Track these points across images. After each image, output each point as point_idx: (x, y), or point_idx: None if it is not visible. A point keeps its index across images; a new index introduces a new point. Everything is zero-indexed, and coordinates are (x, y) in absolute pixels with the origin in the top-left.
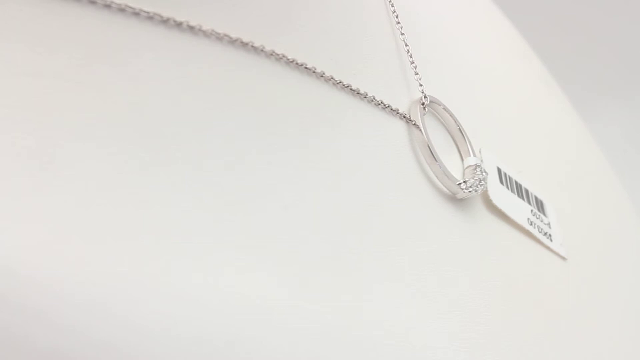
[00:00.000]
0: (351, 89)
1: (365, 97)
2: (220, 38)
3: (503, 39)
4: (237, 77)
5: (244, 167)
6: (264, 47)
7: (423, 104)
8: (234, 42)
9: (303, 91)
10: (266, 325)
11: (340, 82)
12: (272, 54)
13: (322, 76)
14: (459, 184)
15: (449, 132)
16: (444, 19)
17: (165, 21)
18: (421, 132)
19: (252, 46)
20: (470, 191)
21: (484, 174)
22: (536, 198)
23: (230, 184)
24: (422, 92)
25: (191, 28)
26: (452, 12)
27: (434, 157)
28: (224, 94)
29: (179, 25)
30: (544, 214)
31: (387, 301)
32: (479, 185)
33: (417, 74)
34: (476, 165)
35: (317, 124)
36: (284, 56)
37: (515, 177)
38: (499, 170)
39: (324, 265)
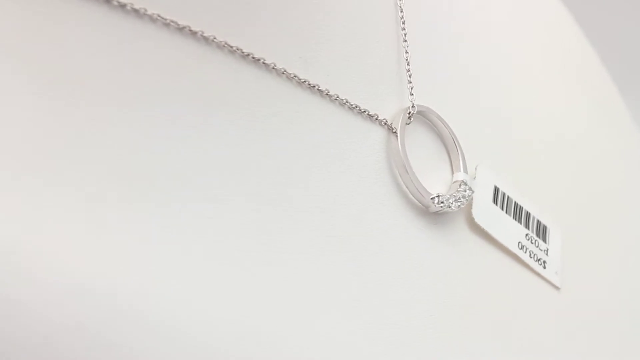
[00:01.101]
0: (319, 89)
1: (337, 99)
2: (166, 24)
3: (542, 48)
4: (181, 64)
5: (175, 151)
6: (214, 38)
7: (409, 112)
8: (182, 30)
9: (257, 86)
10: None
11: (305, 82)
12: (224, 46)
13: (283, 73)
14: (432, 197)
15: (444, 144)
16: (467, 28)
17: (108, 1)
18: (397, 140)
19: (202, 35)
20: (442, 206)
21: (467, 191)
22: (538, 222)
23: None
24: (411, 101)
25: (135, 11)
26: (480, 18)
27: (405, 167)
28: (162, 79)
29: (122, 6)
30: (544, 240)
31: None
32: (455, 202)
33: (410, 82)
34: (462, 182)
35: (269, 120)
36: (238, 49)
37: (516, 198)
38: (496, 190)
39: (249, 256)
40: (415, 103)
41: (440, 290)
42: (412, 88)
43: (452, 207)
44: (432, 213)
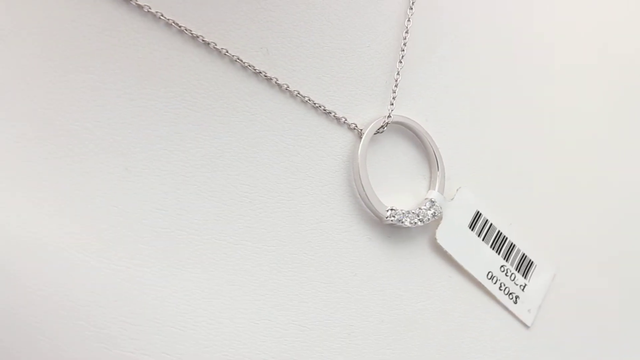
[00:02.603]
0: (277, 83)
1: (298, 96)
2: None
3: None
4: (118, 35)
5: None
6: (162, 14)
7: (384, 122)
8: (141, 8)
9: (203, 69)
10: None
11: (261, 73)
12: (172, 24)
13: (236, 60)
14: (387, 210)
15: (428, 160)
16: (473, 51)
17: None
18: (359, 145)
19: (149, 11)
20: (392, 220)
21: (431, 210)
22: (523, 256)
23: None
24: (389, 110)
25: None
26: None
27: (360, 174)
28: (98, 45)
29: None
30: (524, 275)
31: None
32: (410, 219)
33: (394, 92)
34: (430, 200)
35: (210, 105)
36: (187, 30)
37: (502, 228)
38: (477, 215)
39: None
40: (395, 114)
41: (371, 301)
42: (394, 98)
43: (405, 223)
44: (388, 225)
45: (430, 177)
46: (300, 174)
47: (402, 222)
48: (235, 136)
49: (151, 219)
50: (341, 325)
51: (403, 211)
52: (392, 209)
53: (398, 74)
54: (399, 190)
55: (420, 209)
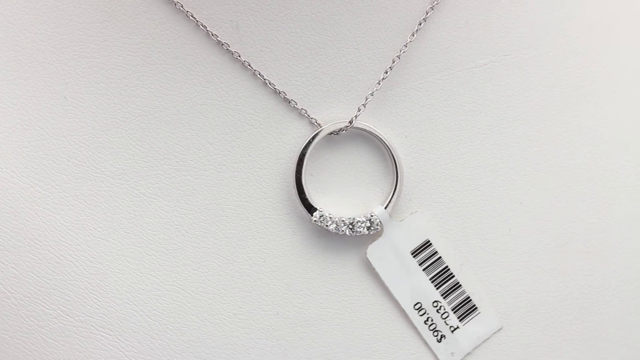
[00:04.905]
0: (238, 58)
1: (260, 76)
2: None
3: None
4: None
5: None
6: None
7: (345, 126)
8: None
9: (167, 27)
10: None
11: (224, 44)
12: None
13: (201, 27)
14: (316, 210)
15: (394, 174)
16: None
17: None
18: (307, 141)
19: None
20: (316, 221)
21: (363, 224)
22: (466, 299)
23: None
24: (355, 115)
25: None
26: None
27: (298, 169)
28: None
29: None
30: (459, 318)
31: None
32: (336, 225)
33: (367, 99)
34: (370, 214)
35: (164, 61)
36: None
37: (451, 264)
38: (426, 243)
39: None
40: (363, 122)
41: (272, 291)
42: (364, 105)
43: (330, 228)
44: (319, 227)
45: (390, 190)
46: (240, 150)
47: (327, 226)
48: (183, 96)
49: (70, 150)
50: (229, 303)
51: (331, 215)
52: (320, 210)
53: (379, 83)
54: (345, 196)
55: (356, 219)
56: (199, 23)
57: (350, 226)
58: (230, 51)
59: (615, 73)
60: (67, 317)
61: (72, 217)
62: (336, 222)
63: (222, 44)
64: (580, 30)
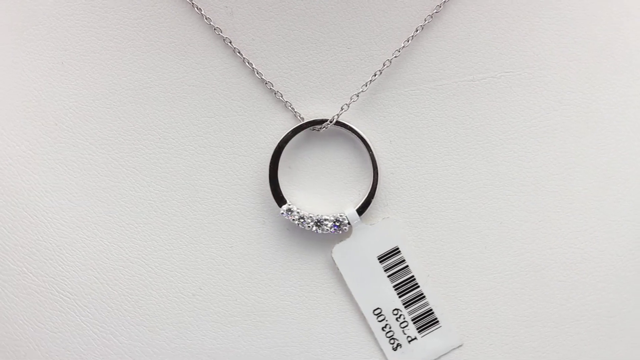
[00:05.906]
0: (230, 44)
1: (248, 64)
2: None
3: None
4: None
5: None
6: None
7: (326, 123)
8: None
9: (163, 6)
10: None
11: (217, 29)
12: None
13: (196, 9)
14: (285, 205)
15: (372, 176)
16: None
17: None
18: (288, 135)
19: None
20: (282, 214)
21: (331, 224)
22: (428, 312)
23: None
24: (337, 114)
25: None
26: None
27: (273, 160)
28: None
29: None
30: (419, 330)
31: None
32: (303, 222)
33: (352, 100)
34: (339, 215)
35: (162, 41)
36: None
37: (418, 275)
38: (394, 250)
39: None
40: (345, 121)
41: (233, 277)
42: (348, 105)
43: (296, 223)
44: (288, 220)
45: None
46: (221, 135)
47: (294, 220)
48: (172, 76)
49: (59, 115)
50: (190, 283)
51: (299, 210)
52: (289, 204)
53: (366, 85)
54: (320, 193)
55: (323, 217)
56: (194, 5)
57: (318, 223)
58: (222, 37)
59: (623, 103)
60: (31, 275)
61: (51, 180)
62: (303, 217)
63: (215, 29)
64: (588, 56)
